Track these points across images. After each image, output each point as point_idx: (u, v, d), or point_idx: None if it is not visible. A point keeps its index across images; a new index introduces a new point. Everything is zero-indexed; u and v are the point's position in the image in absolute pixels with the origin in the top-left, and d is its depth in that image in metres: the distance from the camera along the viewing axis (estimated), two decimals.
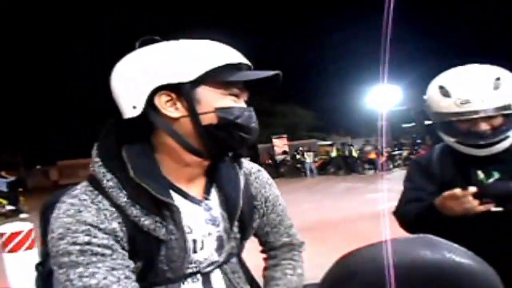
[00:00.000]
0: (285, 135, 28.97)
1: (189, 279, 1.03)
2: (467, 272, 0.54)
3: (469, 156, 1.60)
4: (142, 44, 0.99)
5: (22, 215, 13.52)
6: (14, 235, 3.93)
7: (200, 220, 1.03)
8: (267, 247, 1.26)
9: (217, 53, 0.95)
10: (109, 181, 0.92)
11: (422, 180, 1.72)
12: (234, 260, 1.14)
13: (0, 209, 14.24)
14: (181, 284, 1.01)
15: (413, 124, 31.91)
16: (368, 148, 22.43)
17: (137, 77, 0.94)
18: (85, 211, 0.88)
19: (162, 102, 0.94)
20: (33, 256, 3.95)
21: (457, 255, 0.55)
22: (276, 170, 23.82)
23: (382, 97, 25.59)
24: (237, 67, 0.98)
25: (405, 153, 22.45)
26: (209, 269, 1.06)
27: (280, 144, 27.74)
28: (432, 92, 1.64)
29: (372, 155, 21.60)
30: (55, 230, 0.87)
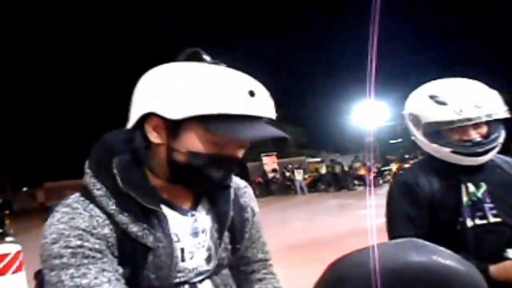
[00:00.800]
0: (274, 153, 29.00)
1: None
2: (454, 274, 0.55)
3: (456, 168, 1.58)
4: (186, 57, 1.01)
5: (8, 238, 13.26)
6: (1, 257, 3.84)
7: (188, 230, 1.05)
8: (243, 262, 1.26)
9: (216, 98, 0.91)
10: (98, 190, 0.95)
11: (411, 208, 1.62)
12: (225, 271, 1.15)
13: None
14: None
15: (401, 140, 32.18)
16: (357, 164, 22.55)
17: (143, 94, 0.98)
18: (78, 218, 0.91)
19: (150, 125, 0.97)
20: (21, 279, 3.85)
21: (444, 257, 0.57)
22: (267, 188, 23.79)
23: (369, 114, 25.83)
24: (242, 116, 0.92)
25: (394, 168, 22.58)
26: (197, 279, 1.07)
27: (270, 162, 27.75)
28: (422, 102, 1.61)
29: (362, 171, 21.70)
30: (48, 236, 0.90)
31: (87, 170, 0.99)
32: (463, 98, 1.52)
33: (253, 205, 1.24)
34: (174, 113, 0.92)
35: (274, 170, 26.13)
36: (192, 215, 1.07)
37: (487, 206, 1.56)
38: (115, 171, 0.96)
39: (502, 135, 1.56)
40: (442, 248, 0.59)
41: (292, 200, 19.11)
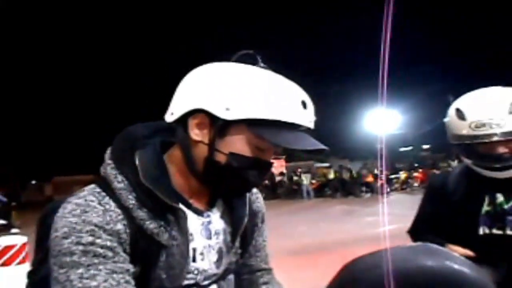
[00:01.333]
0: (283, 156, 28.97)
1: None
2: (465, 280, 0.56)
3: (487, 178, 1.59)
4: (240, 59, 1.01)
5: (13, 230, 13.38)
6: (6, 249, 3.88)
7: (201, 230, 1.04)
8: (246, 271, 1.24)
9: (270, 104, 0.92)
10: (119, 183, 0.93)
11: (435, 204, 1.74)
12: (231, 277, 1.14)
13: None
14: None
15: (411, 147, 31.97)
16: (365, 171, 22.45)
17: (194, 88, 0.97)
18: (92, 212, 0.89)
19: (193, 122, 0.96)
20: (26, 270, 3.90)
21: (456, 263, 0.57)
22: (273, 191, 23.75)
23: (380, 121, 25.72)
24: (286, 124, 0.94)
25: (402, 176, 22.45)
26: (206, 282, 1.05)
27: (278, 165, 27.72)
28: (450, 114, 1.65)
29: (370, 178, 21.60)
30: (59, 229, 0.88)
31: (108, 161, 0.97)
32: (482, 115, 1.51)
33: (263, 212, 1.24)
34: (228, 114, 0.92)
35: (281, 174, 26.10)
36: (207, 216, 1.06)
37: (509, 218, 1.56)
38: (137, 164, 0.95)
39: None
40: (454, 254, 0.60)
41: (298, 204, 19.07)
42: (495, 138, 1.49)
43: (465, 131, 1.54)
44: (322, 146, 0.99)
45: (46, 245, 0.96)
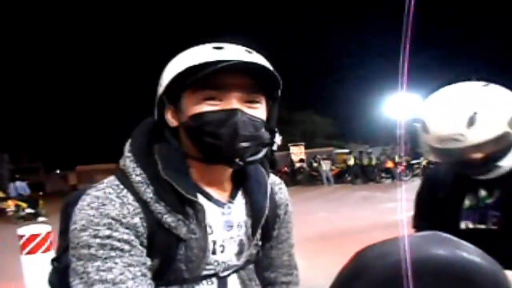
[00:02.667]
0: (303, 143, 28.89)
1: (204, 281, 1.02)
2: (476, 268, 0.57)
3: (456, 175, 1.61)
4: None
5: (40, 219, 13.73)
6: (32, 237, 3.98)
7: (222, 222, 1.03)
8: (266, 264, 1.22)
9: (184, 58, 0.96)
10: (138, 176, 0.94)
11: (426, 202, 1.75)
12: (251, 267, 1.12)
13: (20, 212, 14.49)
14: (194, 286, 1.00)
15: None
16: (384, 156, 22.23)
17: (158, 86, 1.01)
18: (109, 205, 0.89)
19: (168, 112, 0.99)
20: (50, 258, 4.00)
21: (467, 251, 0.58)
22: (293, 178, 23.76)
23: (401, 106, 25.32)
24: (222, 65, 0.89)
25: (424, 162, 22.15)
26: (226, 273, 1.05)
27: (297, 152, 27.67)
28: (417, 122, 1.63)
29: (390, 164, 21.38)
30: (78, 222, 0.88)
31: (128, 154, 0.98)
32: (442, 130, 1.47)
33: (288, 204, 1.22)
34: (161, 89, 0.98)
35: (301, 160, 26.07)
36: (228, 208, 1.05)
37: (491, 213, 1.54)
38: (156, 157, 0.96)
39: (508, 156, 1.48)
40: (465, 243, 0.60)
41: (318, 191, 19.04)
42: (458, 152, 1.46)
43: (430, 144, 1.54)
44: (241, 60, 0.91)
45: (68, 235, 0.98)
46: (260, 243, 1.12)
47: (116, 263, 0.86)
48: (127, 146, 1.00)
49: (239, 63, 0.90)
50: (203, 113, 0.93)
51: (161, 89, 0.98)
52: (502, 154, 1.47)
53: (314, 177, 23.02)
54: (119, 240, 0.88)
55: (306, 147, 28.68)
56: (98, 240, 0.86)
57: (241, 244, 1.07)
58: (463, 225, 1.59)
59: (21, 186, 16.44)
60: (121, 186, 0.93)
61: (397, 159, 22.22)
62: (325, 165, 22.46)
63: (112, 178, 0.97)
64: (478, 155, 1.46)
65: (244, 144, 0.94)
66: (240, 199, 1.08)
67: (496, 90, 1.49)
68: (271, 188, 1.15)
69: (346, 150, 28.41)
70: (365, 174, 21.64)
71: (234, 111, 0.93)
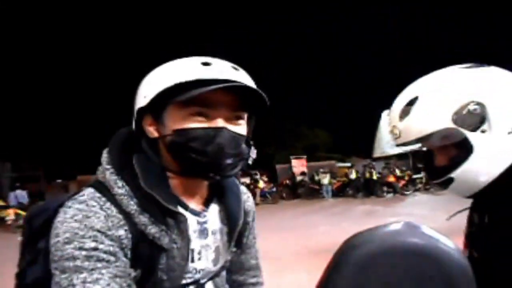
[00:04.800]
0: (304, 156, 28.85)
1: None
2: (449, 257, 0.60)
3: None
4: None
5: None
6: None
7: (198, 231, 1.06)
8: (235, 268, 1.27)
9: (182, 70, 0.94)
10: (120, 188, 0.94)
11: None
12: (224, 273, 1.17)
13: (20, 221, 14.45)
14: None
15: None
16: (386, 171, 22.17)
17: (137, 96, 1.02)
18: (94, 217, 0.89)
19: (146, 123, 1.00)
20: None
21: (440, 241, 0.61)
22: (294, 191, 23.68)
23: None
24: (205, 83, 0.91)
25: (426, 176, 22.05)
26: (203, 280, 1.08)
27: (299, 165, 27.62)
28: None
29: (391, 178, 21.32)
30: (61, 235, 0.87)
31: (107, 166, 0.98)
32: (389, 122, 1.24)
33: (254, 210, 1.27)
34: (146, 100, 0.97)
35: (303, 173, 26.02)
36: (204, 216, 1.07)
37: (478, 239, 1.25)
38: (136, 169, 0.96)
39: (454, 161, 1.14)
40: (434, 231, 0.64)
41: (319, 204, 18.96)
42: (401, 152, 1.22)
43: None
44: (232, 84, 0.92)
45: (37, 247, 0.98)
46: (234, 249, 1.15)
47: (102, 274, 0.86)
48: (104, 158, 1.00)
49: (233, 85, 0.92)
50: (190, 129, 0.95)
51: (142, 100, 0.98)
52: (453, 162, 1.14)
53: (315, 191, 22.94)
54: (105, 252, 0.87)
55: (308, 160, 28.63)
56: (84, 252, 0.86)
57: (217, 251, 1.10)
58: (467, 252, 1.29)
59: (21, 194, 16.46)
60: (103, 199, 0.93)
61: (398, 173, 22.16)
62: (324, 179, 22.42)
63: (91, 190, 0.96)
64: (433, 152, 1.20)
65: (228, 161, 0.97)
66: (214, 207, 1.11)
67: (472, 73, 1.15)
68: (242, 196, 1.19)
69: (348, 164, 28.37)
70: (366, 188, 21.57)
71: (220, 129, 0.96)
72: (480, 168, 1.11)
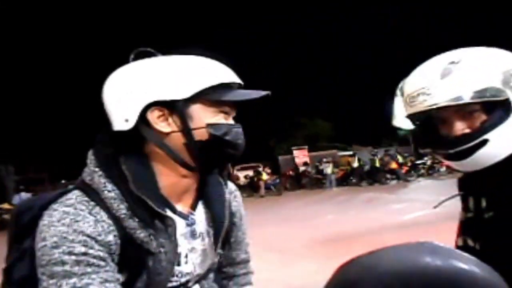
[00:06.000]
0: (305, 146, 28.84)
1: None
2: (470, 278, 0.51)
3: (465, 175, 1.28)
4: (137, 57, 1.02)
5: None
6: None
7: (186, 234, 1.05)
8: (226, 263, 1.28)
9: (210, 72, 0.99)
10: (110, 192, 0.92)
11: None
12: (211, 276, 1.17)
13: None
14: None
15: None
16: (387, 158, 22.15)
17: (131, 91, 0.96)
18: (83, 221, 0.88)
19: (154, 117, 0.97)
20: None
21: (459, 261, 0.53)
22: (298, 181, 23.70)
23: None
24: (228, 85, 1.01)
25: (428, 162, 22.06)
26: (190, 283, 1.08)
27: (301, 155, 27.63)
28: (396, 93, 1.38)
29: (394, 165, 21.31)
30: (48, 239, 0.86)
31: (96, 169, 0.95)
32: (414, 85, 1.16)
33: (241, 209, 1.27)
34: (184, 92, 0.95)
35: (305, 164, 26.02)
36: (191, 219, 1.07)
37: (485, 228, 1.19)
38: (126, 171, 0.94)
39: (491, 132, 1.08)
40: (457, 251, 0.56)
41: (324, 194, 18.95)
42: (428, 109, 1.12)
43: (404, 110, 1.23)
44: (260, 94, 1.02)
45: (22, 245, 0.95)
46: (220, 251, 1.16)
47: (93, 278, 0.85)
48: (91, 160, 0.97)
49: (263, 95, 1.02)
50: (223, 124, 1.00)
51: (149, 96, 0.95)
52: (490, 123, 1.09)
53: (319, 180, 22.95)
54: (94, 257, 0.87)
55: (309, 150, 28.61)
56: (73, 257, 0.85)
57: (204, 254, 1.10)
58: (460, 241, 1.27)
59: (25, 197, 16.49)
60: (92, 203, 0.92)
61: (400, 159, 22.13)
62: (327, 168, 22.42)
63: (79, 193, 0.94)
64: (466, 124, 1.12)
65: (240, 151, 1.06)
66: (201, 209, 1.11)
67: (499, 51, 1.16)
68: (228, 198, 1.18)
69: (350, 152, 28.35)
70: (370, 176, 21.57)
71: (239, 126, 1.04)
72: None
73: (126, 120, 0.96)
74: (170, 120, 0.97)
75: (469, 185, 1.27)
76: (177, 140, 0.98)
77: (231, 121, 1.04)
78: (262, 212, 13.54)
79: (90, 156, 0.98)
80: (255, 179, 21.67)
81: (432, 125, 1.20)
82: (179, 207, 1.05)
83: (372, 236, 7.29)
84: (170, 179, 1.01)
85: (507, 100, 1.08)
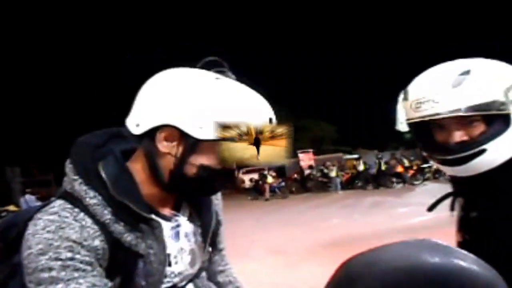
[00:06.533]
0: (311, 150, 28.81)
1: None
2: (470, 276, 0.52)
3: (456, 179, 1.31)
4: (205, 65, 1.00)
5: None
6: None
7: (171, 235, 1.05)
8: (212, 268, 1.28)
9: (255, 117, 0.94)
10: (92, 198, 0.91)
11: None
12: (204, 274, 1.18)
13: None
14: None
15: None
16: (393, 161, 22.08)
17: (160, 102, 0.94)
18: (68, 228, 0.87)
19: (162, 135, 0.94)
20: None
21: (459, 258, 0.54)
22: (303, 185, 23.66)
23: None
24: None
25: (435, 165, 21.92)
26: (183, 283, 1.08)
27: (306, 159, 27.58)
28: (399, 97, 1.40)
29: (400, 169, 21.23)
30: (34, 246, 0.85)
31: (75, 177, 0.94)
32: (422, 91, 1.19)
33: (221, 211, 1.26)
34: (201, 133, 0.92)
35: (310, 167, 25.98)
36: (176, 221, 1.07)
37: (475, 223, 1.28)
38: (104, 177, 0.93)
39: (492, 141, 1.14)
40: (457, 249, 0.56)
41: (329, 197, 18.93)
42: (436, 117, 1.16)
43: (407, 113, 1.27)
44: (284, 161, 0.99)
45: (12, 261, 0.95)
46: (210, 249, 1.16)
47: (80, 283, 0.84)
48: (69, 169, 0.96)
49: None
50: (218, 169, 0.97)
51: (177, 121, 0.92)
52: (490, 134, 1.15)
53: (324, 184, 22.91)
54: (81, 262, 0.86)
55: (315, 154, 28.57)
56: (59, 263, 0.84)
57: (192, 253, 1.10)
58: (459, 236, 1.34)
59: (30, 199, 16.57)
60: (76, 209, 0.91)
61: (406, 163, 22.05)
62: (331, 172, 22.38)
63: (61, 201, 0.93)
64: (467, 132, 1.17)
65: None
66: (186, 210, 1.12)
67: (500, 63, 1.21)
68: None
69: (355, 156, 28.27)
70: (375, 179, 21.51)
71: (234, 173, 1.02)
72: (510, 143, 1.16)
73: (137, 125, 0.96)
74: (174, 143, 0.95)
75: (456, 186, 1.34)
76: (167, 163, 0.97)
77: (232, 167, 1.00)
78: (267, 215, 13.54)
79: (68, 165, 0.97)
80: (260, 182, 21.66)
81: (429, 131, 1.25)
82: (162, 210, 1.06)
83: (377, 240, 7.20)
84: (151, 188, 1.01)
85: (508, 114, 1.13)
